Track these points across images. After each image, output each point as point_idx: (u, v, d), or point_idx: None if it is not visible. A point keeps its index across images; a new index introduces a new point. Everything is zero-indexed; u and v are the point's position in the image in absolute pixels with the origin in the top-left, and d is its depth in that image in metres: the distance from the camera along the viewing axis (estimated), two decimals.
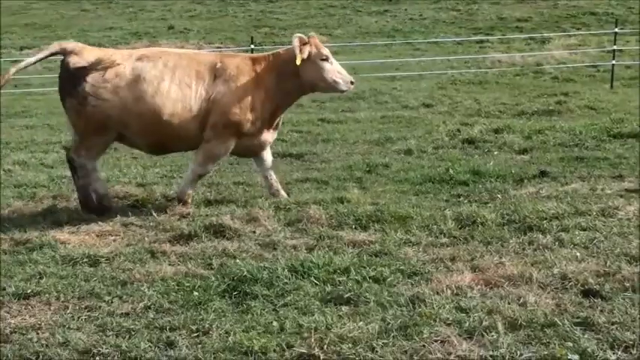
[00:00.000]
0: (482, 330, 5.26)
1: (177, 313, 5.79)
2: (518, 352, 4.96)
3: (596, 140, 12.31)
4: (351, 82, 8.99)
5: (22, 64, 8.81)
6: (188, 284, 6.32)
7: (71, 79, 8.48)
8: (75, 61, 8.50)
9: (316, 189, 9.70)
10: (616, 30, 24.63)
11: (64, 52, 8.58)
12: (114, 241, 7.75)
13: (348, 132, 14.32)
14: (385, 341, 5.16)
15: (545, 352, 4.93)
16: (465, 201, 8.78)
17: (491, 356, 4.92)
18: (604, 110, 16.23)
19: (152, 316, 5.79)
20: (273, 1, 47.57)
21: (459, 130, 13.58)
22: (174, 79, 8.55)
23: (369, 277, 6.31)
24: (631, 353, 4.91)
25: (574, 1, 43.75)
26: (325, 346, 5.08)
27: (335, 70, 8.93)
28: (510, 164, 10.73)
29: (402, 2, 45.81)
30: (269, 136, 9.11)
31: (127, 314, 5.85)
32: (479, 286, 6.11)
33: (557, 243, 7.09)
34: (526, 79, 23.64)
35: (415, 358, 4.95)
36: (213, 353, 5.11)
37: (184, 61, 8.75)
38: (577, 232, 7.32)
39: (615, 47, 24.26)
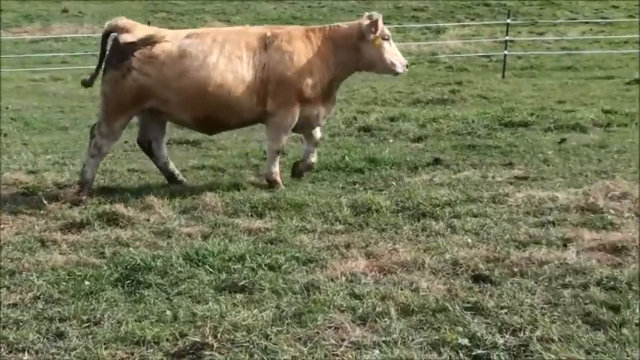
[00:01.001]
0: (375, 316, 5.30)
1: (67, 303, 5.66)
2: (410, 337, 5.01)
3: (488, 129, 12.56)
4: (407, 66, 9.23)
5: (99, 60, 8.92)
6: (79, 273, 6.18)
7: (119, 54, 8.59)
8: (125, 37, 8.60)
9: (212, 176, 9.65)
10: (508, 21, 25.22)
11: (116, 30, 8.69)
12: (2, 229, 7.51)
13: None
14: (279, 328, 5.16)
15: (437, 337, 4.99)
16: (361, 188, 8.85)
17: (383, 342, 4.96)
18: (496, 99, 16.58)
19: (41, 306, 5.64)
20: None
21: (355, 118, 13.69)
22: (224, 52, 8.61)
23: (265, 265, 6.29)
24: (518, 337, 5.02)
25: None
26: (219, 335, 5.04)
27: (393, 52, 9.10)
28: (405, 152, 10.86)
29: None
30: (325, 109, 9.21)
31: (15, 305, 5.68)
32: (373, 273, 6.16)
33: (449, 229, 7.21)
34: (421, 68, 23.99)
35: (309, 344, 4.96)
36: (105, 343, 5.01)
37: (233, 35, 8.86)
38: (468, 219, 7.46)
39: (507, 38, 24.83)
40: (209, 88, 8.53)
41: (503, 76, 21.66)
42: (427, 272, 6.12)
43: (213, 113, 8.72)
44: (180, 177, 9.24)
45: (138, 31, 8.69)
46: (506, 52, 23.65)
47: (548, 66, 24.07)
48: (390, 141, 11.88)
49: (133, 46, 8.55)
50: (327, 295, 5.65)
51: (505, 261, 6.32)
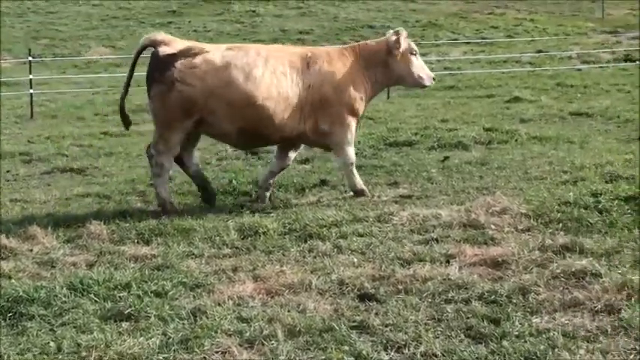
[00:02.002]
0: (262, 339, 5.33)
1: None
2: (297, 359, 5.06)
3: (374, 149, 12.74)
4: (433, 78, 9.58)
5: (128, 76, 8.91)
6: None
7: (160, 66, 8.58)
8: (164, 50, 8.60)
9: (98, 204, 9.51)
10: None
11: (154, 44, 8.69)
12: None
13: (131, 145, 14.11)
14: (166, 355, 5.13)
15: (323, 357, 5.06)
16: (248, 211, 8.85)
17: None
18: (381, 120, 16.80)
19: None
20: (53, 12, 46.21)
21: None
22: (268, 67, 8.69)
23: (151, 292, 6.25)
24: (403, 353, 5.12)
25: (353, 14, 45.24)
26: None
27: (420, 66, 9.44)
28: (292, 174, 10.90)
29: (186, 14, 45.76)
30: (355, 128, 9.41)
31: None
32: (260, 296, 6.19)
33: (335, 249, 7.29)
34: None
35: None
36: None
37: (275, 52, 8.97)
38: (355, 239, 7.56)
39: None
40: (256, 100, 8.63)
41: (388, 97, 21.97)
42: (314, 293, 6.19)
43: (256, 126, 8.79)
44: (212, 187, 9.30)
45: (177, 44, 8.75)
46: None
47: (433, 85, 24.52)
48: None
49: (173, 57, 8.59)
50: (214, 319, 5.65)
51: (390, 279, 6.43)
